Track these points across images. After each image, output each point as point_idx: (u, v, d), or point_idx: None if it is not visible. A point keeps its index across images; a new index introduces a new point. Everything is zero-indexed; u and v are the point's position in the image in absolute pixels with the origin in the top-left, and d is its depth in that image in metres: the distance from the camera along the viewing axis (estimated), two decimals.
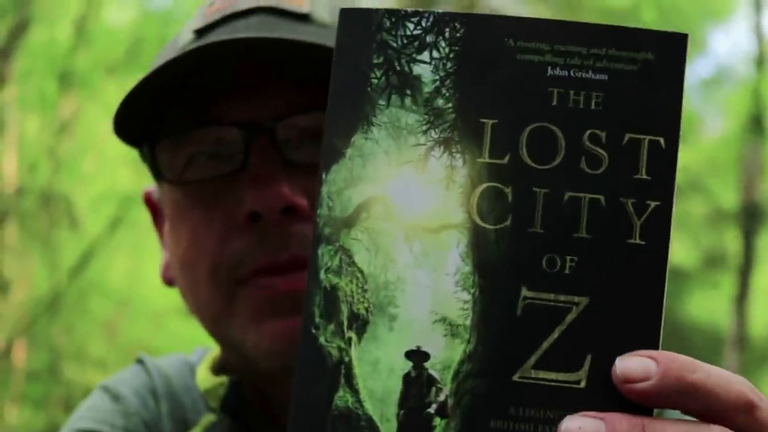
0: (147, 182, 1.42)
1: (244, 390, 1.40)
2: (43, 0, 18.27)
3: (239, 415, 1.40)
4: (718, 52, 25.13)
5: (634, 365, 0.65)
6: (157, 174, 1.36)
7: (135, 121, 1.31)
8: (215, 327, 1.34)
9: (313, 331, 0.70)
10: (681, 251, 21.80)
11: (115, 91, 18.11)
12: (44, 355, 19.73)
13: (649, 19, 20.99)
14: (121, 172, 18.74)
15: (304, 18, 1.29)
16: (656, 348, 0.68)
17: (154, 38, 17.81)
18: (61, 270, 18.53)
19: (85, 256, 17.85)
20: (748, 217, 19.51)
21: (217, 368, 1.43)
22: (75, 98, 19.51)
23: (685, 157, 20.94)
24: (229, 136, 1.27)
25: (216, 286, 1.29)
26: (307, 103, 1.24)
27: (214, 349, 1.45)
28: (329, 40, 1.07)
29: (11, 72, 18.16)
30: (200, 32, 1.30)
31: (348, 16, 0.73)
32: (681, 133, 0.72)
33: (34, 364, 19.68)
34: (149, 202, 1.48)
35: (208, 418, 1.42)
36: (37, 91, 19.39)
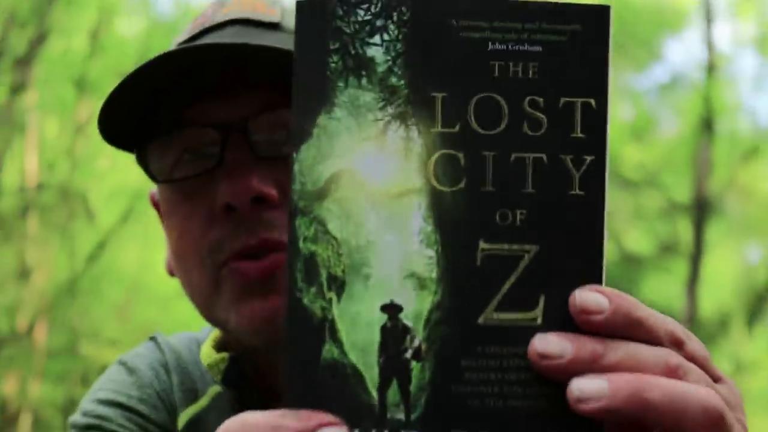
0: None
1: (243, 364, 1.41)
2: (60, 12, 18.13)
3: (240, 386, 1.41)
4: (673, 60, 24.92)
5: (590, 299, 0.68)
6: (150, 176, 1.38)
7: (119, 125, 1.34)
8: (206, 310, 1.36)
9: (297, 294, 0.71)
10: (638, 240, 22.20)
11: None
12: (63, 335, 19.75)
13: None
14: (132, 169, 18.37)
15: (274, 26, 1.32)
16: (599, 280, 0.72)
17: (161, 47, 17.51)
18: (78, 258, 18.63)
19: (99, 245, 18.01)
20: (699, 210, 19.67)
21: (219, 346, 1.44)
22: (90, 103, 19.26)
23: (642, 155, 21.03)
24: (207, 137, 1.28)
25: (202, 271, 1.32)
26: (276, 102, 1.25)
27: (217, 329, 1.46)
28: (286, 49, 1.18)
29: (31, 78, 18.07)
30: (183, 43, 1.34)
31: (303, 7, 0.74)
32: (609, 94, 0.74)
33: (54, 344, 19.64)
34: (154, 202, 1.50)
35: (215, 389, 1.46)
36: (55, 96, 19.54)
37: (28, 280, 19.42)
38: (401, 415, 0.67)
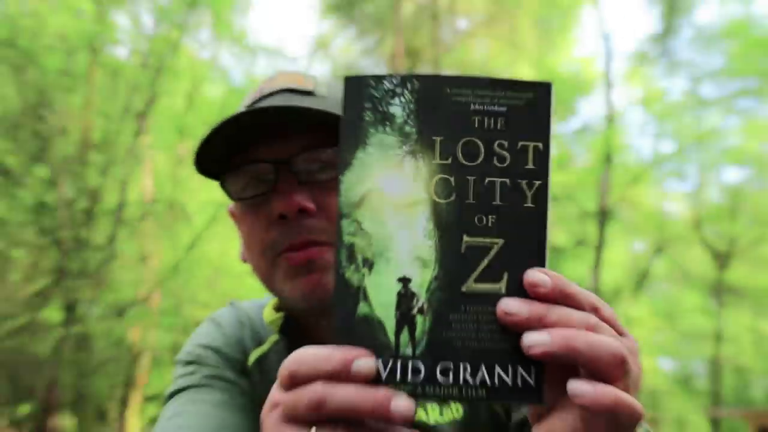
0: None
1: (291, 321, 1.42)
2: (166, 82, 18.10)
3: (290, 335, 1.43)
4: (584, 114, 24.92)
5: (538, 277, 0.71)
6: (228, 195, 1.39)
7: (208, 162, 1.36)
8: (267, 284, 1.37)
9: (342, 270, 0.73)
10: (560, 236, 22.39)
11: None
12: (170, 300, 19.88)
13: None
14: (216, 189, 18.94)
15: (309, 93, 1.32)
16: (543, 265, 0.75)
17: (234, 105, 17.80)
18: (180, 248, 18.69)
19: (194, 240, 18.04)
20: (601, 216, 20.40)
21: (276, 308, 1.44)
22: (186, 143, 19.58)
23: (563, 178, 21.64)
24: (265, 169, 1.30)
25: (264, 259, 1.33)
26: (310, 145, 1.28)
27: (274, 297, 1.46)
28: (324, 106, 1.25)
29: (147, 127, 18.07)
30: (248, 106, 1.35)
31: (350, 79, 0.76)
32: (552, 140, 0.76)
33: (164, 306, 20.01)
34: (231, 213, 1.49)
35: (273, 338, 1.46)
36: (163, 139, 19.94)
37: (146, 264, 19.84)
38: (410, 351, 0.71)
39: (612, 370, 0.66)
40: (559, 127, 23.35)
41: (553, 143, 0.75)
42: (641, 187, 22.94)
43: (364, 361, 0.67)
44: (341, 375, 0.67)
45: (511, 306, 0.68)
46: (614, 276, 24.47)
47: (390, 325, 0.70)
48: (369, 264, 0.72)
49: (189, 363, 1.43)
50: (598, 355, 0.66)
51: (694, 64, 21.49)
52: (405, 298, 0.71)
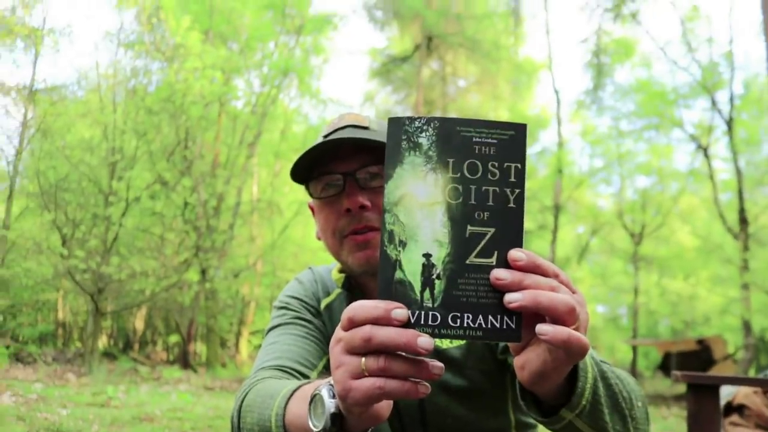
0: (308, 196, 1.34)
1: (351, 280, 1.33)
2: (267, 122, 18.36)
3: (350, 290, 1.33)
4: (543, 141, 24.60)
5: (517, 254, 0.66)
6: (311, 195, 1.28)
7: (299, 174, 1.26)
8: (336, 256, 1.27)
9: (384, 248, 0.68)
10: (528, 223, 21.74)
11: None
12: (269, 266, 20.00)
13: None
14: (298, 193, 18.76)
15: (366, 128, 1.22)
16: (521, 246, 0.68)
17: (313, 138, 17.74)
18: (275, 232, 18.82)
19: (285, 226, 18.12)
20: (556, 209, 20.17)
21: (340, 270, 1.35)
22: (281, 163, 19.93)
23: (530, 184, 21.18)
24: (336, 178, 1.21)
25: (335, 239, 1.24)
26: (366, 163, 1.19)
27: (340, 264, 1.32)
28: (375, 137, 1.19)
29: (255, 152, 18.29)
30: (325, 137, 1.24)
31: (392, 120, 0.71)
32: (527, 163, 0.71)
33: (265, 271, 20.23)
34: (310, 207, 1.35)
35: (338, 291, 1.36)
36: (265, 160, 20.27)
37: (254, 242, 20.07)
38: (430, 304, 0.66)
39: (566, 317, 0.64)
40: (527, 150, 23.69)
41: (526, 163, 0.72)
42: (582, 190, 23.10)
43: (400, 311, 0.64)
44: (383, 320, 0.65)
45: (500, 274, 0.65)
46: (565, 250, 24.56)
47: (417, 286, 0.67)
48: (403, 244, 0.69)
49: (281, 308, 1.38)
50: (555, 306, 0.63)
51: (615, 108, 21.70)
52: (427, 267, 0.67)
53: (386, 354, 0.66)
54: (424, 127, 0.71)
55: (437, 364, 0.67)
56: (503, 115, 24.00)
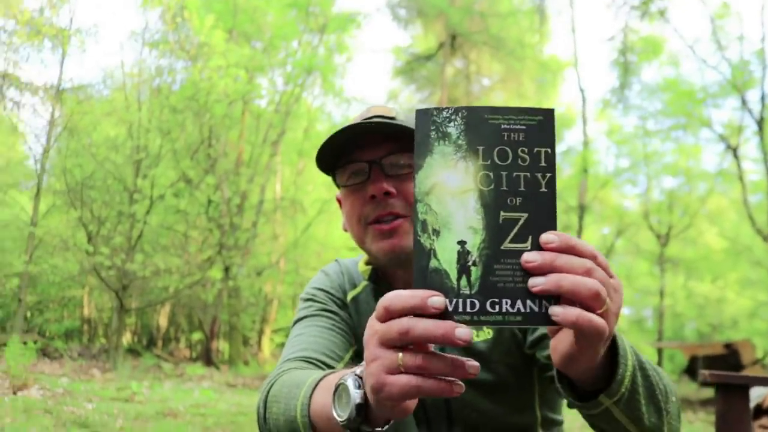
0: (332, 193, 1.37)
1: (377, 271, 1.34)
2: (291, 120, 18.41)
3: (377, 282, 1.33)
4: (568, 140, 24.38)
5: (548, 236, 0.65)
6: (337, 184, 1.29)
7: (325, 161, 1.26)
8: (362, 245, 1.26)
9: (418, 237, 0.68)
10: None
11: None
12: (292, 264, 20.00)
13: None
14: (320, 192, 19.41)
15: (392, 118, 1.21)
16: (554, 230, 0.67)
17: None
18: (298, 230, 18.86)
19: (308, 225, 18.15)
20: (580, 210, 19.93)
21: (366, 262, 1.36)
22: (304, 161, 20.06)
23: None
24: (362, 166, 1.21)
25: (360, 226, 1.24)
26: (391, 151, 1.19)
27: (366, 255, 1.34)
28: (401, 126, 1.18)
29: (278, 150, 18.41)
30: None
31: (420, 111, 0.71)
32: (556, 147, 0.71)
33: (288, 269, 20.26)
34: (337, 199, 1.34)
35: (364, 283, 1.36)
36: (288, 158, 20.41)
37: (277, 240, 20.17)
38: (467, 291, 0.66)
39: (589, 301, 0.63)
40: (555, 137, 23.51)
41: (556, 149, 0.72)
42: (607, 190, 22.87)
43: (437, 299, 0.64)
44: (421, 308, 0.64)
45: (530, 256, 0.65)
46: None
47: (453, 274, 0.67)
48: (437, 233, 0.68)
49: (307, 300, 1.38)
50: (578, 290, 0.62)
51: (641, 107, 21.50)
52: (463, 255, 0.67)
53: (424, 353, 0.65)
54: (453, 117, 0.71)
55: (474, 363, 0.66)
56: None
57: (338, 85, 20.07)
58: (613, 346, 0.80)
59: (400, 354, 0.66)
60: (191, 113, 15.54)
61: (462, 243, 0.68)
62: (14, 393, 7.21)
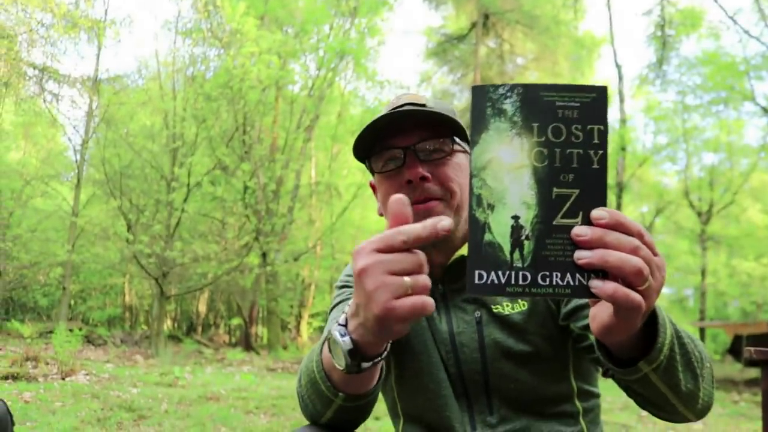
0: (366, 177, 1.42)
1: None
2: (325, 105, 18.53)
3: None
4: None
5: (599, 213, 0.66)
6: (372, 171, 1.30)
7: (360, 149, 1.27)
8: None
9: (473, 211, 0.69)
10: None
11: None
12: (328, 249, 20.43)
13: None
14: (355, 176, 19.25)
15: (423, 105, 1.22)
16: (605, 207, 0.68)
17: (369, 120, 18.16)
18: (334, 215, 19.08)
19: (343, 209, 18.21)
20: (619, 188, 19.66)
21: None
22: (338, 146, 20.06)
23: None
24: (397, 152, 1.22)
25: None
26: (427, 137, 1.21)
27: None
28: (433, 112, 1.20)
29: (313, 135, 18.48)
30: (384, 114, 1.22)
31: (476, 88, 0.72)
32: (608, 124, 0.71)
33: (324, 253, 20.57)
34: (371, 185, 1.36)
35: None
36: (322, 143, 20.39)
37: (313, 225, 20.37)
38: (520, 264, 0.68)
39: (632, 277, 0.65)
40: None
41: (609, 126, 0.72)
42: (645, 168, 22.60)
43: (446, 220, 0.70)
44: (431, 236, 0.70)
45: (581, 230, 0.66)
46: None
47: (506, 247, 0.68)
48: (491, 207, 0.70)
49: (341, 287, 1.40)
50: (622, 266, 0.64)
51: (680, 82, 21.13)
52: (516, 229, 0.68)
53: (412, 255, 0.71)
54: (508, 94, 0.72)
55: (446, 220, 0.71)
56: None
57: (371, 68, 19.98)
58: (652, 316, 0.83)
59: (407, 278, 0.70)
60: (225, 100, 15.71)
61: (516, 218, 0.69)
62: (63, 378, 7.44)
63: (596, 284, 0.67)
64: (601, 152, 0.70)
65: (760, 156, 20.52)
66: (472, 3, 23.00)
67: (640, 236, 0.69)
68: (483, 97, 0.73)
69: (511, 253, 0.69)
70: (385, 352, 0.86)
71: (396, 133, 1.24)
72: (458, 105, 22.68)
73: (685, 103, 21.05)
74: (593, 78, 25.86)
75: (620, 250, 0.66)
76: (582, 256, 0.67)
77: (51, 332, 10.53)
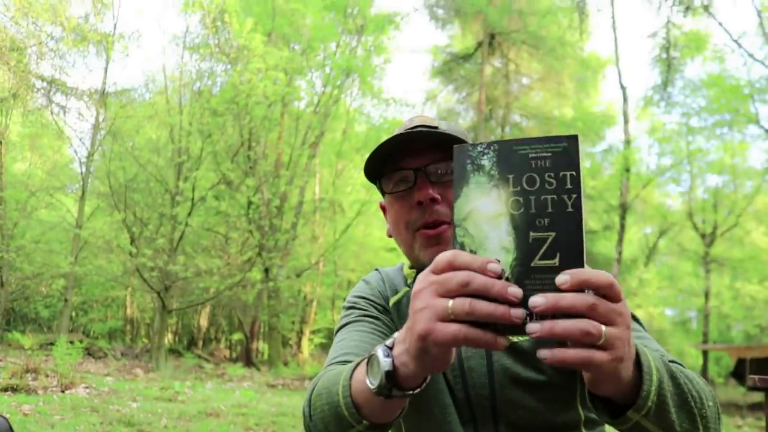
0: (374, 196, 1.40)
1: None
2: (330, 122, 18.49)
3: None
4: (609, 139, 24.21)
5: (562, 277, 0.68)
6: (382, 192, 1.32)
7: (371, 170, 1.28)
8: (408, 251, 1.29)
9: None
10: (593, 223, 22.01)
11: (359, 160, 19.16)
12: (330, 266, 20.25)
13: (578, 125, 20.89)
14: (360, 193, 19.57)
15: (435, 128, 1.23)
16: (582, 250, 0.71)
17: (374, 138, 18.28)
18: (337, 232, 18.98)
19: (347, 226, 18.12)
20: (622, 209, 19.61)
21: (411, 266, 1.37)
22: (343, 163, 20.14)
23: (596, 183, 21.07)
24: (408, 173, 1.23)
25: (407, 233, 1.26)
26: (437, 159, 1.22)
27: (409, 260, 1.35)
28: (445, 134, 1.22)
29: (317, 152, 18.62)
30: (396, 135, 1.24)
31: (457, 147, 0.76)
32: (581, 169, 0.73)
33: (327, 270, 20.46)
34: (381, 206, 1.38)
35: (405, 289, 1.36)
36: (327, 159, 20.45)
37: (316, 242, 20.28)
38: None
39: (582, 339, 0.67)
40: (592, 149, 23.10)
41: (582, 171, 0.75)
42: (649, 189, 22.59)
43: (494, 265, 0.68)
44: (480, 269, 0.69)
45: (561, 278, 0.69)
46: (631, 251, 24.10)
47: None
48: (473, 253, 0.72)
49: (348, 308, 1.39)
50: (570, 334, 0.66)
51: (685, 104, 21.11)
52: None
53: (472, 299, 0.69)
54: (486, 151, 0.76)
55: (519, 310, 0.69)
56: (567, 113, 23.62)
57: (377, 86, 20.18)
58: (638, 362, 0.83)
59: (450, 302, 0.70)
60: (231, 116, 15.82)
61: (495, 262, 0.71)
62: (62, 391, 7.41)
63: (543, 354, 0.69)
64: (574, 196, 0.72)
65: (765, 179, 20.56)
66: (479, 23, 23.10)
67: (609, 288, 0.69)
68: (464, 155, 0.77)
69: None
70: (418, 389, 0.85)
71: (407, 154, 1.25)
72: (463, 123, 22.72)
73: (689, 125, 21.09)
74: (598, 98, 26.09)
75: (575, 312, 0.67)
76: (532, 330, 0.68)
77: (52, 344, 10.55)
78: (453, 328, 0.69)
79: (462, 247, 0.73)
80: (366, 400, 0.92)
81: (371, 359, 0.87)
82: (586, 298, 0.68)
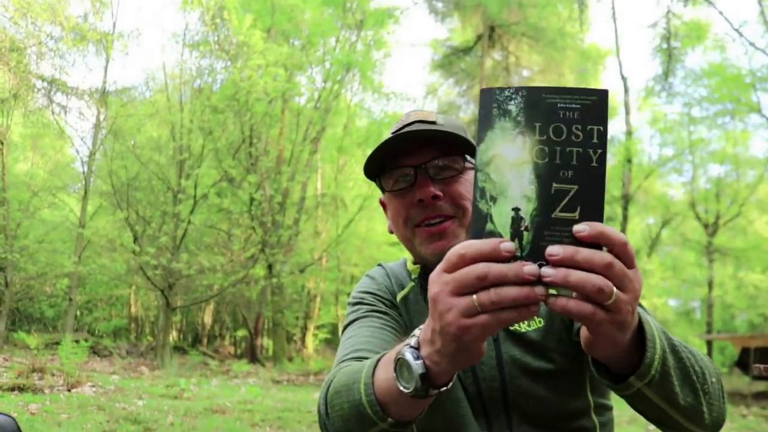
0: (376, 191, 1.35)
1: (424, 270, 1.34)
2: (331, 117, 18.46)
3: (423, 282, 1.34)
4: (611, 129, 24.02)
5: (581, 226, 0.68)
6: (382, 189, 1.31)
7: (371, 169, 1.28)
8: (409, 245, 1.30)
9: (477, 203, 0.71)
10: None
11: (361, 155, 19.24)
12: (333, 261, 20.30)
13: None
14: (362, 188, 19.20)
15: (433, 123, 1.24)
16: (602, 207, 0.71)
17: (375, 132, 18.38)
18: (340, 227, 18.89)
19: (349, 221, 18.18)
20: (624, 200, 19.66)
21: (414, 262, 1.38)
22: (344, 158, 20.07)
23: None
24: (408, 171, 1.23)
25: (406, 229, 1.26)
26: (435, 156, 1.22)
27: (412, 255, 1.36)
28: (443, 131, 1.21)
29: (319, 147, 18.54)
30: (395, 132, 1.26)
31: (484, 90, 0.75)
32: (608, 125, 0.73)
33: (330, 265, 20.46)
34: (381, 202, 1.38)
35: (411, 284, 1.37)
36: (328, 155, 20.35)
37: (318, 237, 20.28)
38: (519, 254, 0.69)
39: (594, 295, 0.67)
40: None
41: (608, 127, 0.73)
42: (651, 180, 22.62)
43: (507, 243, 0.68)
44: (494, 253, 0.68)
45: (581, 227, 0.68)
46: (634, 241, 23.61)
47: (507, 237, 0.70)
48: (494, 199, 0.71)
49: (354, 304, 1.39)
50: (583, 286, 0.66)
51: (686, 94, 21.16)
52: (516, 220, 0.70)
53: (495, 288, 0.68)
54: (513, 96, 0.74)
55: (540, 288, 0.68)
56: None
57: (377, 80, 20.04)
58: (641, 331, 0.83)
59: (475, 296, 0.69)
60: (232, 113, 15.82)
61: (516, 210, 0.71)
62: (68, 390, 7.45)
63: (550, 300, 0.68)
64: (600, 151, 0.72)
65: (767, 168, 20.49)
66: (478, 16, 23.04)
67: (622, 246, 0.69)
68: (490, 98, 0.75)
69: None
70: (451, 383, 0.86)
71: (406, 151, 1.25)
72: (464, 117, 22.69)
73: (690, 114, 21.09)
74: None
75: (590, 267, 0.67)
76: (546, 273, 0.67)
77: (57, 343, 10.58)
78: (484, 319, 0.70)
79: (483, 192, 0.72)
80: (394, 400, 0.91)
81: (399, 363, 0.86)
82: (604, 256, 0.68)
